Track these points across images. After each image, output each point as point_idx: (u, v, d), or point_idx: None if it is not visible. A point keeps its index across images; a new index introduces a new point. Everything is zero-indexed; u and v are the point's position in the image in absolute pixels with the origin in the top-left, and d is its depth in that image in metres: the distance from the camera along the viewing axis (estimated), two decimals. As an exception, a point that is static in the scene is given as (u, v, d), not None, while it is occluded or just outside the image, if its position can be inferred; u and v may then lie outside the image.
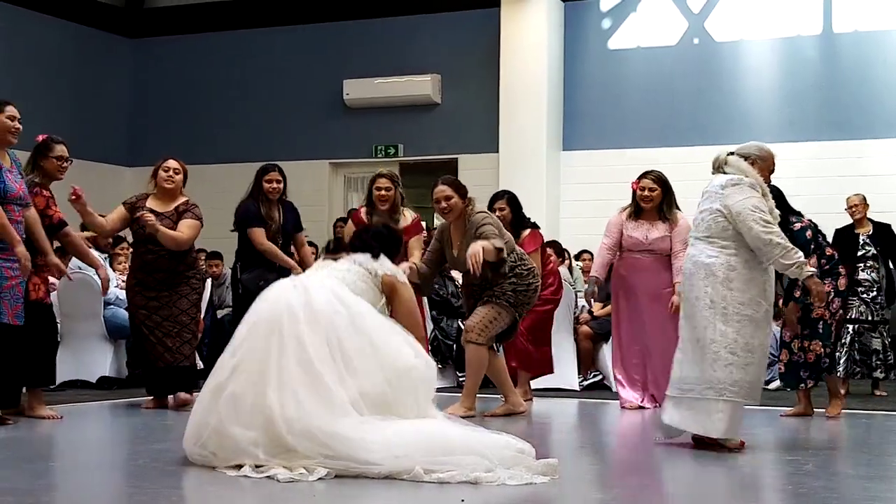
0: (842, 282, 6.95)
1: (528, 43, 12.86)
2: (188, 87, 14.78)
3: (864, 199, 9.56)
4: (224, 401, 4.53)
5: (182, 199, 7.17)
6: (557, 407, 7.80)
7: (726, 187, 5.28)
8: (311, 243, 9.54)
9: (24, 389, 6.43)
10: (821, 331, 6.80)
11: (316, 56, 14.24)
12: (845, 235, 9.44)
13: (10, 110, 6.17)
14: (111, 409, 7.29)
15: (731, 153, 5.50)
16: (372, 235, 5.35)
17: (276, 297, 4.76)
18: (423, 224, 7.93)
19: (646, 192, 7.48)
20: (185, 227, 6.99)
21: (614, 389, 8.01)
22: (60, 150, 6.64)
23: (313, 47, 14.28)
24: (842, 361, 9.18)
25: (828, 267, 6.83)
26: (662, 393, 7.23)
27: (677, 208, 7.59)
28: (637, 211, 7.52)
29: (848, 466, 5.07)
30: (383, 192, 7.49)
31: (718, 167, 5.51)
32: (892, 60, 12.09)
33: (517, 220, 7.56)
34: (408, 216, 7.56)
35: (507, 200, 7.62)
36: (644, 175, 7.57)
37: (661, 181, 7.54)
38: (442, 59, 13.64)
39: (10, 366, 6.04)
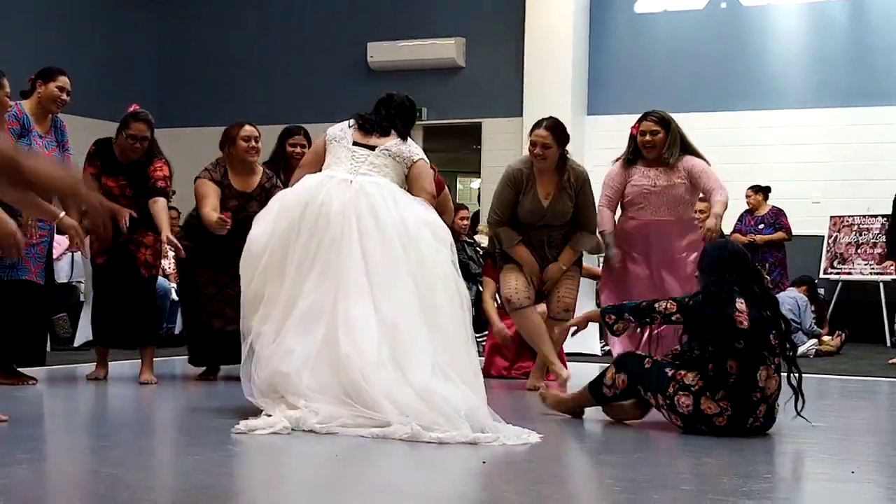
0: None
1: (554, 6, 12.76)
2: (213, 50, 14.75)
3: None
4: (285, 352, 4.57)
5: (260, 171, 6.57)
6: (578, 371, 7.80)
7: None
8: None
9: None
10: None
11: (340, 19, 14.18)
12: None
13: (62, 80, 6.13)
14: (134, 369, 7.35)
15: None
16: (396, 110, 5.16)
17: (339, 207, 4.70)
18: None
19: (647, 137, 6.36)
20: None
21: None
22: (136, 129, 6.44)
23: (337, 10, 14.22)
24: None
25: None
26: None
27: (688, 152, 6.41)
28: (636, 158, 6.42)
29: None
30: None
31: None
32: (923, 25, 11.95)
33: None
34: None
35: None
36: (646, 115, 6.46)
37: (666, 123, 6.38)
38: (467, 22, 13.56)
39: (33, 324, 6.09)
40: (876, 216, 11.51)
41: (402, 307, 4.58)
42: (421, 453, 4.08)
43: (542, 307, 6.55)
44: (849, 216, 11.96)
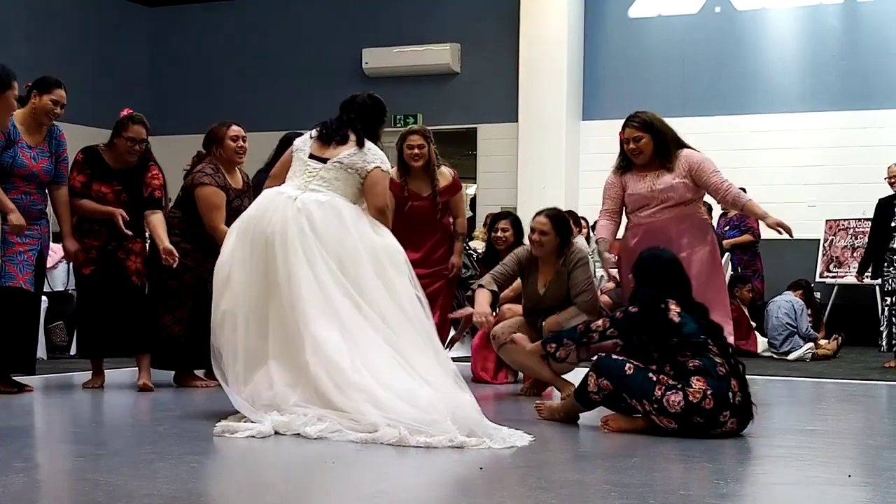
0: None
1: (548, 12, 12.79)
2: (207, 56, 14.77)
3: None
4: (269, 368, 4.64)
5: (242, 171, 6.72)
6: (574, 378, 7.79)
7: None
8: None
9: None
10: None
11: (335, 25, 14.20)
12: (884, 205, 9.36)
13: (58, 94, 6.07)
14: (130, 377, 7.34)
15: None
16: (357, 112, 5.07)
17: (282, 229, 4.70)
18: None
19: (632, 145, 6.08)
20: None
21: None
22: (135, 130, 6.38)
23: (333, 16, 14.24)
24: (884, 336, 9.11)
25: None
26: None
27: (681, 146, 6.20)
28: (629, 165, 6.17)
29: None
30: (416, 151, 6.91)
31: None
32: (917, 29, 11.99)
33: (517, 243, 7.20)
34: (446, 174, 7.08)
35: (511, 223, 7.34)
36: (628, 121, 6.12)
37: (648, 125, 6.07)
38: (461, 28, 13.59)
39: (22, 331, 6.06)
40: (871, 220, 11.51)
41: (361, 318, 4.60)
42: (416, 459, 4.08)
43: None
44: (844, 220, 11.97)
